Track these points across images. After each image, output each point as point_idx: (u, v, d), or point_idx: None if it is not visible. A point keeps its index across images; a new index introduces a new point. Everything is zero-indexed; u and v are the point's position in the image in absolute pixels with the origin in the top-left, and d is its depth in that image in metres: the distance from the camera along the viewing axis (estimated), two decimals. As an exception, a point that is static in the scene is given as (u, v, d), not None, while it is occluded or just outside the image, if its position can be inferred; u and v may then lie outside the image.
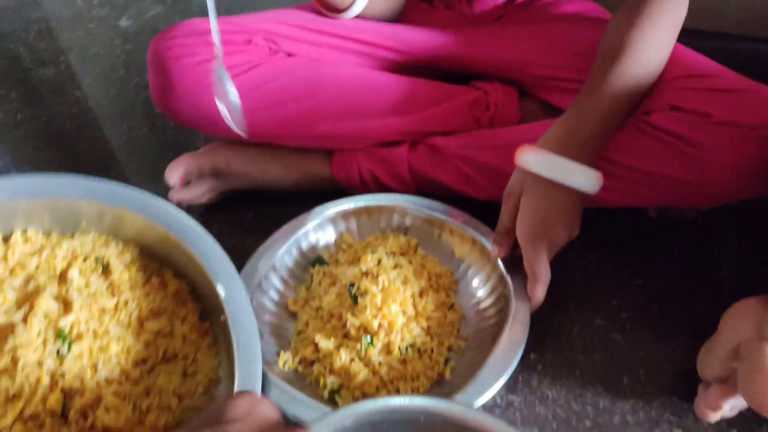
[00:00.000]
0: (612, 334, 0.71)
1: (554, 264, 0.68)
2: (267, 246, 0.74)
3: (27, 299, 0.61)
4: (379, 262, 0.71)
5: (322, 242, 0.78)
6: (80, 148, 1.02)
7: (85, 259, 0.66)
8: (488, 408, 0.65)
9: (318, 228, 0.77)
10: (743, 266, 0.58)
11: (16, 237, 0.67)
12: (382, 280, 0.68)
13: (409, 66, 0.86)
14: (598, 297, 0.75)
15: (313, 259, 0.77)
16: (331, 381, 0.64)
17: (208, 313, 0.67)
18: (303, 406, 0.59)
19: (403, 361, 0.65)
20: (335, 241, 0.78)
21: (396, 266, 0.71)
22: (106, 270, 0.66)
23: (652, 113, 0.68)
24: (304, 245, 0.76)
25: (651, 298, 0.75)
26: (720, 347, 0.61)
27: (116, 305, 0.64)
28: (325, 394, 0.64)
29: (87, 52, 1.22)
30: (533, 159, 0.65)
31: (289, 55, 0.79)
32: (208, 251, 0.64)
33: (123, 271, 0.66)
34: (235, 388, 0.57)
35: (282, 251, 0.74)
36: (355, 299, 0.67)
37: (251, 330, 0.61)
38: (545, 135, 0.67)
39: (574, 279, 0.77)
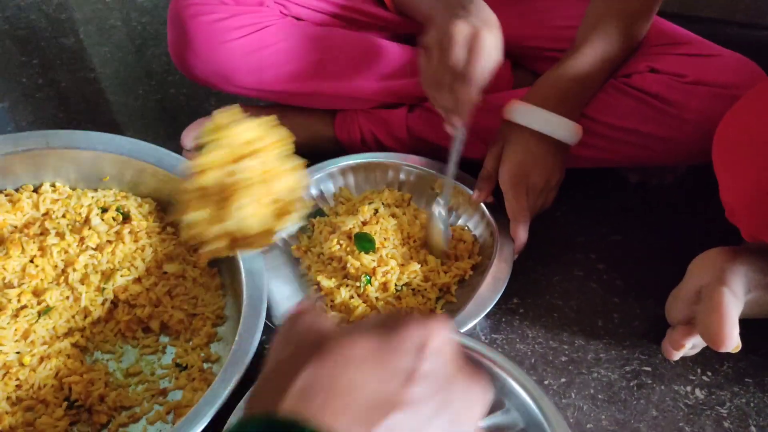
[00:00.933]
0: (589, 283, 0.77)
1: (539, 222, 0.75)
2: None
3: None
4: (376, 212, 0.77)
5: (322, 195, 0.83)
6: (98, 111, 1.07)
7: (106, 209, 0.73)
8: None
9: (318, 183, 0.83)
10: (712, 223, 0.63)
11: (46, 187, 0.75)
12: (379, 227, 0.74)
13: (411, 38, 0.92)
14: (578, 251, 0.81)
15: (313, 212, 0.82)
16: (332, 315, 0.70)
17: (218, 260, 0.72)
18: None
19: (398, 298, 0.71)
20: (334, 195, 0.84)
21: (392, 215, 0.77)
22: (126, 219, 0.73)
23: (632, 75, 0.74)
24: (306, 198, 0.82)
25: (627, 252, 0.80)
26: (685, 291, 0.66)
27: (136, 249, 0.71)
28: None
29: (105, 24, 1.28)
30: (518, 111, 0.71)
31: (298, 19, 0.85)
32: None
33: (141, 220, 0.73)
34: (241, 322, 0.62)
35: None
36: (363, 247, 0.73)
37: (258, 270, 0.66)
38: (530, 90, 0.73)
39: (557, 235, 0.82)
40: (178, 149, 0.89)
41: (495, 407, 0.54)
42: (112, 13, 1.32)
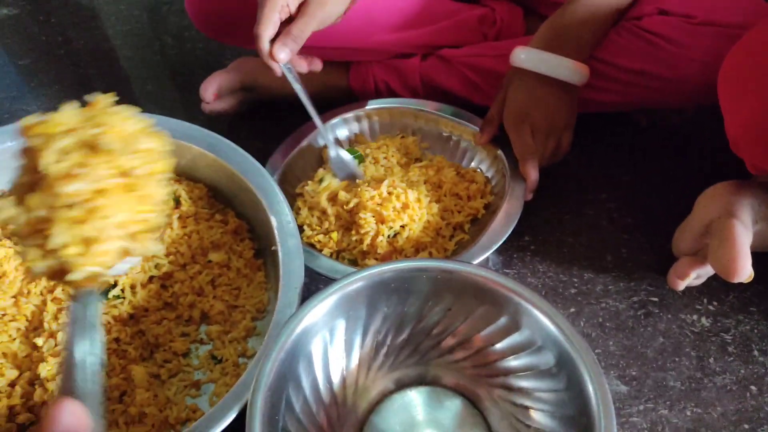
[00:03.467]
0: (599, 220, 0.79)
1: (552, 165, 0.77)
2: (288, 143, 0.82)
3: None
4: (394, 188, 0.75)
5: (338, 141, 0.86)
6: (116, 67, 1.10)
7: None
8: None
9: (333, 128, 0.85)
10: (719, 161, 0.65)
11: None
12: (399, 197, 0.73)
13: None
14: (589, 191, 0.83)
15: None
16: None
17: (264, 252, 0.71)
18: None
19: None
20: (349, 139, 0.86)
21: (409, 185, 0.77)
22: (177, 204, 0.72)
23: (642, 18, 0.75)
24: (321, 142, 0.84)
25: (636, 191, 0.82)
26: (693, 224, 0.68)
27: (183, 235, 0.70)
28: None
29: (120, -18, 1.30)
30: (523, 55, 0.73)
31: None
32: (267, 188, 0.68)
33: (191, 206, 0.72)
34: (275, 316, 0.59)
35: (302, 146, 0.82)
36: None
37: (296, 260, 0.63)
38: (536, 36, 0.75)
39: (569, 176, 0.84)
40: (198, 102, 0.92)
41: (527, 346, 0.57)
42: (125, -28, 1.33)
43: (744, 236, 0.61)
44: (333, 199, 0.76)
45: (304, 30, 0.67)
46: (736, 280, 0.60)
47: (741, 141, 0.62)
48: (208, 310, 0.66)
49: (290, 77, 0.71)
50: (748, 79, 0.59)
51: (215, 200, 0.74)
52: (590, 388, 0.51)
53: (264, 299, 0.68)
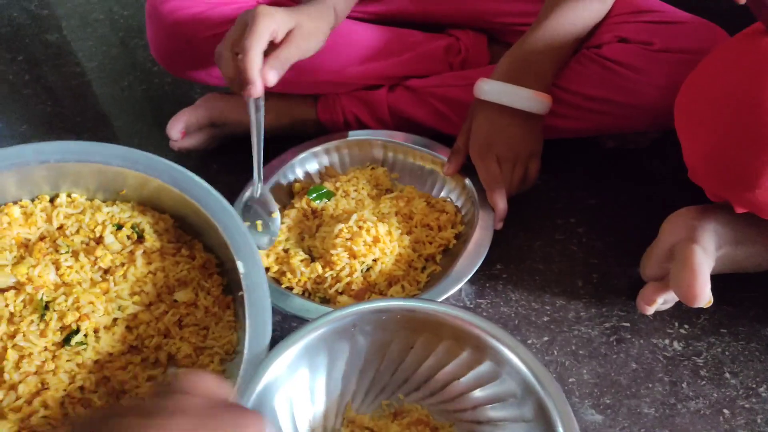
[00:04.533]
0: (569, 245, 0.80)
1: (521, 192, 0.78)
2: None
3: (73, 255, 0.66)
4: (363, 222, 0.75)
5: (308, 175, 0.86)
6: (85, 104, 1.09)
7: (121, 226, 0.69)
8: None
9: (303, 162, 0.85)
10: (685, 185, 0.66)
11: (62, 199, 0.70)
12: (369, 231, 0.73)
13: (388, 19, 0.94)
14: (558, 216, 0.83)
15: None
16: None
17: (233, 288, 0.69)
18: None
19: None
20: (319, 172, 0.86)
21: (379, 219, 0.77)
22: (140, 238, 0.69)
23: (602, 46, 0.77)
24: (290, 176, 0.84)
25: (604, 215, 0.83)
26: (657, 249, 0.69)
27: (147, 273, 0.67)
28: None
29: (88, 18, 1.29)
30: (486, 87, 0.74)
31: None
32: (233, 228, 0.65)
33: (155, 241, 0.69)
34: (244, 359, 0.57)
35: (271, 183, 0.82)
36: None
37: (264, 308, 0.61)
38: (497, 67, 0.76)
39: (538, 202, 0.85)
40: (165, 139, 0.91)
41: (491, 377, 0.57)
42: (94, 7, 1.33)
43: (704, 262, 0.61)
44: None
45: (289, 58, 0.68)
46: (695, 305, 0.61)
47: (699, 170, 0.63)
48: (175, 352, 0.64)
49: (252, 107, 0.69)
50: (701, 110, 0.60)
51: (182, 231, 0.72)
52: (556, 416, 0.51)
53: (233, 339, 0.66)
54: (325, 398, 0.59)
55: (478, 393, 0.58)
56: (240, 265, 0.63)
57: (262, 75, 0.65)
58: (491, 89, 0.74)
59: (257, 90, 0.65)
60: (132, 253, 0.67)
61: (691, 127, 0.62)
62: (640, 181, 0.87)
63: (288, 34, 0.68)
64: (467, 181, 0.79)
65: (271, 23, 0.65)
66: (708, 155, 0.60)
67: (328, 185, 0.83)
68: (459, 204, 0.81)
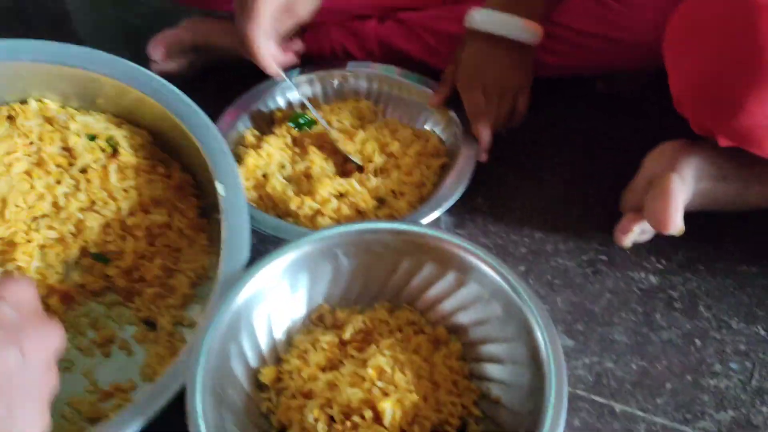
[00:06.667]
0: (553, 182, 0.79)
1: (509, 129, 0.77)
2: (239, 103, 0.81)
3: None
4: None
5: (290, 105, 0.84)
6: (68, 27, 1.07)
7: (94, 137, 0.66)
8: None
9: (284, 90, 0.84)
10: (674, 123, 0.65)
11: (32, 104, 0.67)
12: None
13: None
14: (544, 154, 0.83)
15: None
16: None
17: (209, 211, 0.67)
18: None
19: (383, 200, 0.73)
20: (301, 103, 0.85)
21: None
22: (115, 151, 0.67)
23: (595, -20, 0.75)
24: (271, 105, 0.83)
25: (589, 152, 0.83)
26: (638, 180, 0.69)
27: (120, 189, 0.65)
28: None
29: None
30: (477, 16, 0.72)
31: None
32: (215, 147, 0.63)
33: (131, 156, 0.66)
34: (218, 286, 0.55)
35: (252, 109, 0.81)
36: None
37: (243, 230, 0.59)
38: None
39: (524, 139, 0.84)
40: (148, 63, 0.89)
41: (474, 300, 0.57)
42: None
43: (679, 190, 0.61)
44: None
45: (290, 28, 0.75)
46: (667, 233, 0.61)
47: (684, 99, 0.62)
48: (145, 273, 0.63)
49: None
50: (691, 37, 0.59)
51: (158, 149, 0.69)
52: (539, 335, 0.51)
53: (205, 263, 0.65)
54: (305, 320, 0.60)
55: (462, 316, 0.58)
56: (220, 188, 0.61)
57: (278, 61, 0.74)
58: (482, 18, 0.73)
59: (282, 76, 0.78)
60: (105, 167, 0.65)
61: (679, 55, 0.61)
62: (629, 121, 0.86)
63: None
64: (452, 114, 0.78)
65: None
66: (696, 82, 0.59)
67: (309, 115, 0.82)
68: (444, 137, 0.80)
